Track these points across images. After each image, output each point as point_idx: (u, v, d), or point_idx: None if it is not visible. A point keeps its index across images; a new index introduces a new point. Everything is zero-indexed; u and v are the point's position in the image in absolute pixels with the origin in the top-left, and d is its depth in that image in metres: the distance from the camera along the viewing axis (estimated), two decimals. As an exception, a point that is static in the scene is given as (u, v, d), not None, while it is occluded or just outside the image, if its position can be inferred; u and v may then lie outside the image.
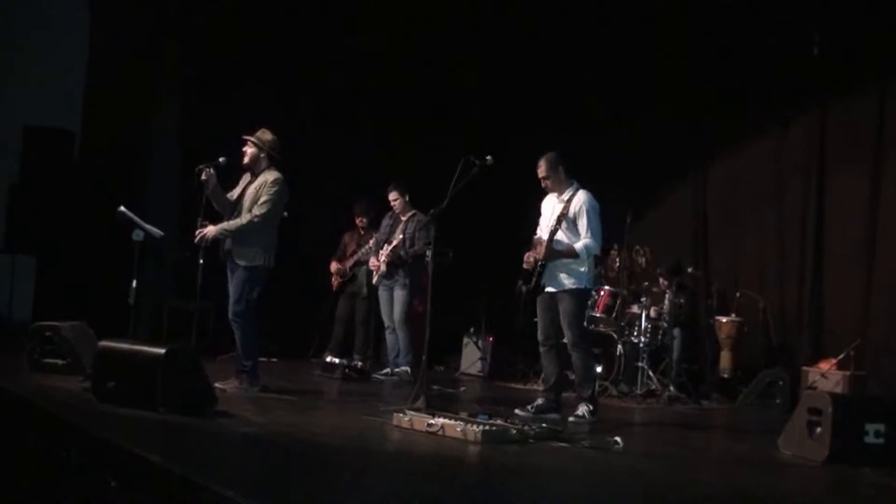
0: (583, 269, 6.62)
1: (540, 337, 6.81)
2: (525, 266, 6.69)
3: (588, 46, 9.87)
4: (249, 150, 6.84)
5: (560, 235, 6.57)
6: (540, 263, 6.57)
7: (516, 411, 6.59)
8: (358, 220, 9.45)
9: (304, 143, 10.15)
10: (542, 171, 6.70)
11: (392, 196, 8.85)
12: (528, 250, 6.71)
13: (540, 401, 6.72)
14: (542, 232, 6.78)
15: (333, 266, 9.49)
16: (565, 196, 6.68)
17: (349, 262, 9.37)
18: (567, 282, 6.59)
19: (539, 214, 6.93)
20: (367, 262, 9.18)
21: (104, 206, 7.60)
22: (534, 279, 6.60)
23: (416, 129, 10.84)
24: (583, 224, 6.55)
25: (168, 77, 10.30)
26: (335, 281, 9.47)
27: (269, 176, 6.78)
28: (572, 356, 6.62)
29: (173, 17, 10.24)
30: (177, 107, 10.33)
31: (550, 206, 6.82)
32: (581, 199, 6.61)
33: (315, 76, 10.63)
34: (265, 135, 6.89)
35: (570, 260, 6.57)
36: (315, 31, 10.44)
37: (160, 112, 10.25)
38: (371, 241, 9.11)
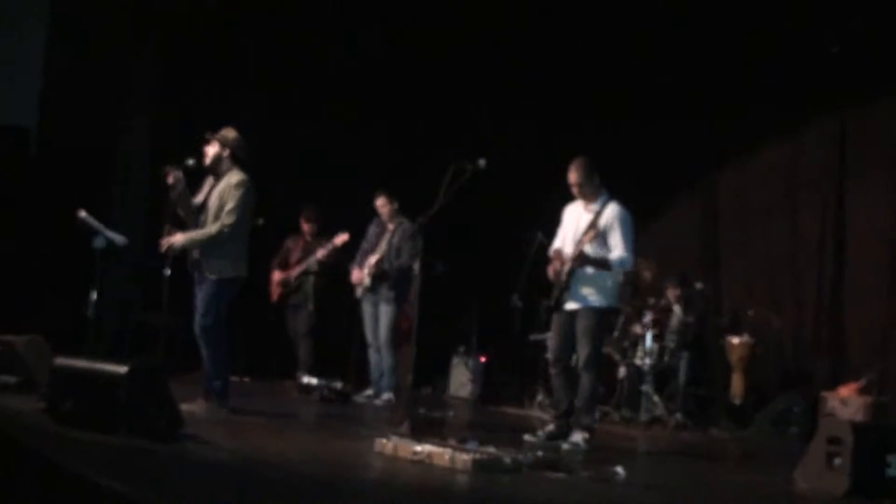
0: (610, 285, 6.63)
1: (551, 358, 6.82)
2: (551, 278, 6.67)
3: (589, 45, 9.91)
4: (211, 150, 6.80)
5: (588, 249, 6.54)
6: (565, 277, 6.55)
7: (525, 437, 6.63)
8: (305, 227, 9.45)
9: (288, 144, 10.19)
10: (575, 177, 6.66)
11: (379, 202, 8.86)
12: (549, 264, 6.72)
13: (551, 426, 6.74)
14: (565, 243, 6.77)
15: (276, 275, 9.49)
16: (595, 206, 6.67)
17: (295, 272, 9.37)
18: (592, 298, 6.58)
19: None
20: (314, 272, 9.22)
21: (63, 210, 7.58)
22: (556, 293, 6.60)
23: (411, 130, 10.85)
24: (616, 238, 6.54)
25: (137, 70, 10.26)
26: (276, 291, 9.47)
27: (233, 178, 6.76)
28: (581, 377, 6.62)
29: (145, 5, 10.21)
30: (146, 103, 10.28)
31: (575, 216, 6.79)
32: (613, 210, 6.60)
33: (300, 73, 10.63)
34: (229, 133, 6.86)
35: (596, 274, 6.56)
36: (301, 26, 10.45)
37: (127, 108, 10.20)
38: (321, 252, 9.10)
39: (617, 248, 6.53)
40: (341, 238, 8.99)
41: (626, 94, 9.83)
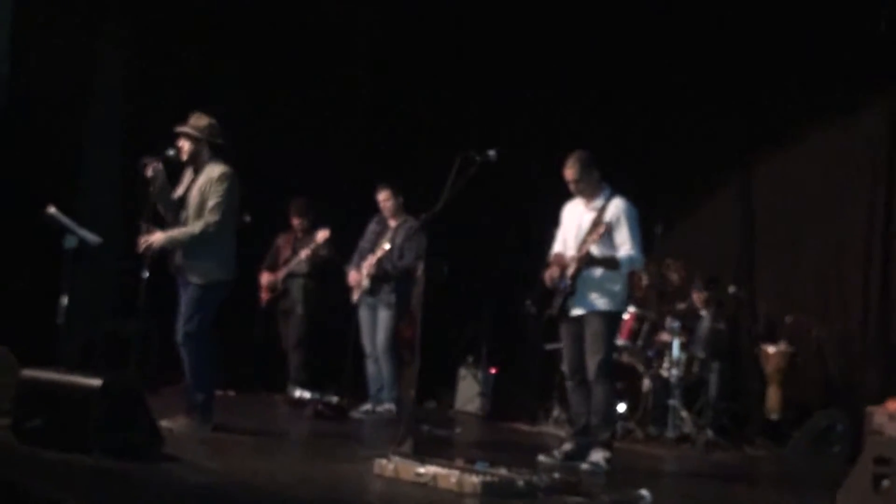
0: (617, 289, 6.70)
1: (567, 370, 6.87)
2: (548, 284, 6.70)
3: (611, 25, 9.88)
4: (186, 145, 6.82)
5: (593, 249, 6.58)
6: (570, 280, 6.58)
7: (540, 458, 6.66)
8: (295, 222, 9.46)
9: (278, 131, 10.15)
10: (572, 173, 6.72)
11: (382, 196, 8.82)
12: (546, 268, 6.75)
13: (568, 445, 6.77)
14: (566, 246, 6.82)
15: (264, 278, 9.51)
16: (597, 203, 6.73)
17: (281, 273, 9.40)
18: (599, 302, 6.64)
19: (556, 225, 6.95)
20: (301, 273, 9.24)
21: (28, 206, 7.56)
22: (560, 300, 6.63)
23: (410, 117, 10.82)
24: (622, 235, 6.59)
25: (109, 42, 10.21)
26: (265, 295, 9.49)
27: (214, 171, 6.77)
28: (593, 390, 6.65)
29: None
30: (119, 80, 10.23)
31: (576, 216, 6.85)
32: (618, 206, 6.65)
33: (291, 52, 10.60)
34: (200, 120, 6.86)
35: (604, 276, 6.61)
36: (292, 3, 10.43)
37: (97, 89, 10.15)
38: (304, 252, 9.10)
39: (624, 246, 6.59)
40: (322, 234, 9.00)
41: (651, 80, 9.79)
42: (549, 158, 9.33)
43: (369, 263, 8.69)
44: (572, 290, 6.63)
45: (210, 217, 6.68)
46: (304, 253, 9.18)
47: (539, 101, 10.43)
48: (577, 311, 6.69)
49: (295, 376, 9.19)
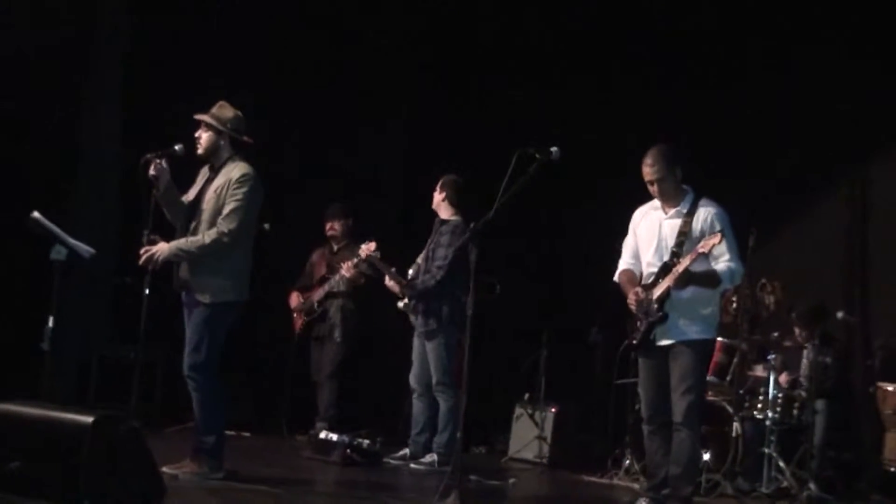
0: (709, 311, 6.63)
1: (645, 412, 6.78)
2: (634, 309, 6.62)
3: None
4: (204, 136, 6.86)
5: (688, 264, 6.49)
6: (658, 303, 6.50)
7: None
8: (328, 228, 9.45)
9: (306, 118, 10.17)
10: (653, 170, 6.63)
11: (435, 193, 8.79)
12: (627, 289, 6.69)
13: (643, 502, 6.70)
14: (639, 260, 6.78)
15: (294, 299, 9.54)
16: (682, 208, 6.67)
17: (317, 294, 9.42)
18: (691, 329, 6.55)
19: (623, 234, 6.90)
20: (340, 292, 9.28)
21: (9, 211, 7.61)
22: (645, 328, 6.55)
23: (458, 104, 10.83)
24: (720, 245, 6.44)
25: (105, 29, 10.28)
26: (298, 320, 9.51)
27: (234, 171, 6.78)
28: (678, 435, 6.56)
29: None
30: (118, 65, 10.29)
31: (653, 223, 6.77)
32: (710, 211, 6.59)
33: (321, 28, 10.64)
34: (224, 110, 6.90)
35: (694, 296, 6.53)
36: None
37: (94, 73, 10.22)
38: (346, 266, 9.07)
39: (723, 257, 6.52)
40: (366, 249, 8.97)
41: (740, 58, 9.85)
42: (615, 155, 9.36)
43: (389, 278, 8.66)
44: (662, 314, 6.53)
45: (225, 225, 6.67)
46: (345, 268, 9.11)
47: (597, 88, 10.47)
48: (664, 341, 6.60)
49: (324, 413, 9.17)
